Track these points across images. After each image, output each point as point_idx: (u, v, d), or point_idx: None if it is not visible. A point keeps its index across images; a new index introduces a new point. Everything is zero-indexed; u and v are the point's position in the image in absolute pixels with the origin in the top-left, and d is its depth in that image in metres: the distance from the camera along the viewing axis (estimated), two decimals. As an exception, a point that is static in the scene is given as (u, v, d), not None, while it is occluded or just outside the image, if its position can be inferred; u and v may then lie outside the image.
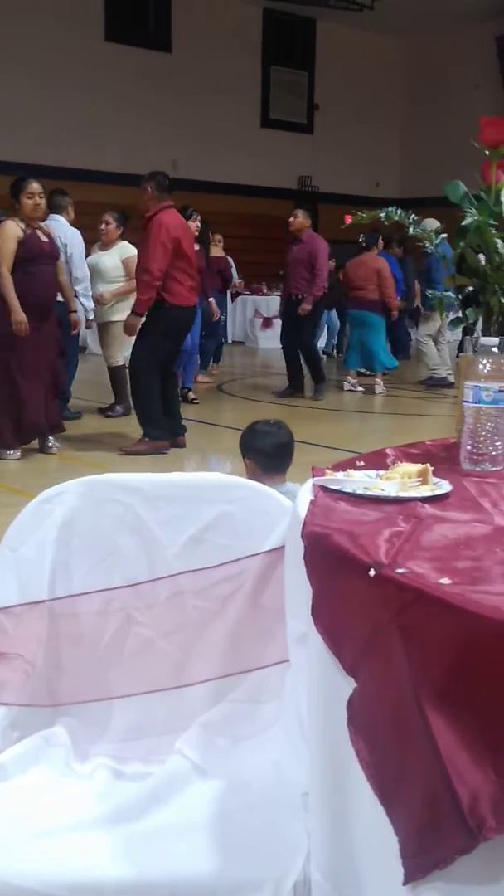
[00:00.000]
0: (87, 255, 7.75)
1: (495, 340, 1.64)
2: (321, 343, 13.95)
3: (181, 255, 6.22)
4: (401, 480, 1.44)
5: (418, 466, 1.48)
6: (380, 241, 10.29)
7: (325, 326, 13.86)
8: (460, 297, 1.84)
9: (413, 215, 1.85)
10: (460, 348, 9.00)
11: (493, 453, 1.60)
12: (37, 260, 6.08)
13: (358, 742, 1.14)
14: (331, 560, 1.20)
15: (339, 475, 1.49)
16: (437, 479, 1.48)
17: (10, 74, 15.52)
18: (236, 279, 12.21)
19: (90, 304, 7.49)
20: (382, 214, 1.87)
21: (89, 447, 6.63)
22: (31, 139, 15.41)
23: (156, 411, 6.44)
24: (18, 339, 5.94)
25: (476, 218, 1.73)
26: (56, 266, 6.39)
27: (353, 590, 1.15)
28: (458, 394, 1.71)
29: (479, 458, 1.61)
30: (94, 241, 7.99)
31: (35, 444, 6.43)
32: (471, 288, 1.81)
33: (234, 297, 14.23)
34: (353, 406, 9.36)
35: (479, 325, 1.79)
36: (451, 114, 18.19)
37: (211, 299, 9.31)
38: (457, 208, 1.78)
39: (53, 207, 7.38)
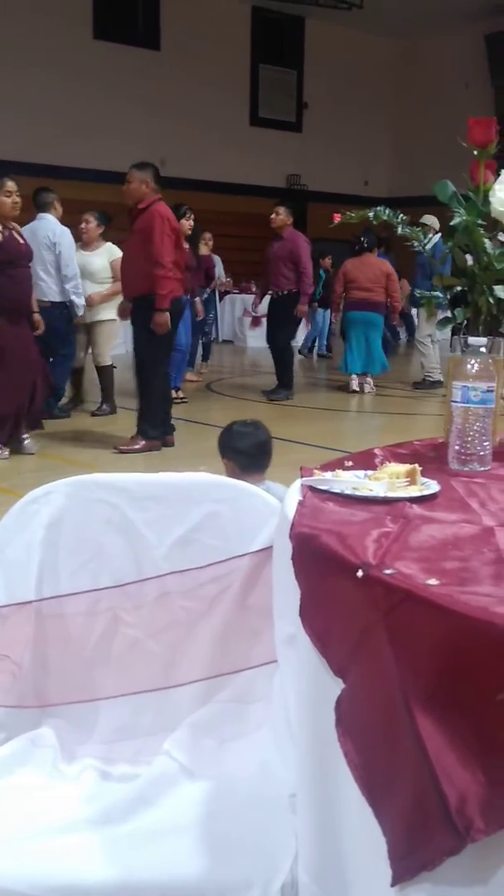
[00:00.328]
0: (76, 253, 7.71)
1: (483, 340, 1.64)
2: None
3: (177, 247, 6.21)
4: (389, 481, 1.44)
5: (406, 467, 1.48)
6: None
7: (318, 326, 13.87)
8: (448, 296, 1.83)
9: (401, 215, 1.85)
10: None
11: (481, 453, 1.61)
12: (15, 262, 5.93)
13: (346, 743, 1.14)
14: (319, 561, 1.20)
15: (328, 475, 1.49)
16: (426, 480, 1.48)
17: (-2, 72, 15.49)
18: (222, 278, 12.17)
19: (81, 302, 7.44)
20: (371, 214, 1.86)
21: (77, 447, 6.61)
22: (18, 137, 15.37)
23: (160, 412, 6.44)
24: None
25: (464, 218, 1.73)
26: (30, 267, 6.24)
27: (342, 591, 1.14)
28: (447, 393, 1.71)
29: (467, 458, 1.61)
30: (77, 239, 7.94)
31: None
32: (459, 288, 1.81)
33: (222, 295, 14.20)
34: (341, 405, 9.36)
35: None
36: (440, 113, 18.22)
37: (197, 298, 9.28)
38: (445, 208, 1.78)
39: (40, 205, 7.32)
